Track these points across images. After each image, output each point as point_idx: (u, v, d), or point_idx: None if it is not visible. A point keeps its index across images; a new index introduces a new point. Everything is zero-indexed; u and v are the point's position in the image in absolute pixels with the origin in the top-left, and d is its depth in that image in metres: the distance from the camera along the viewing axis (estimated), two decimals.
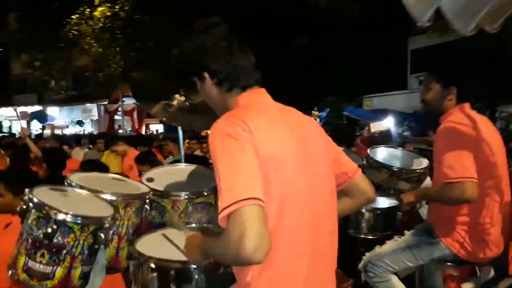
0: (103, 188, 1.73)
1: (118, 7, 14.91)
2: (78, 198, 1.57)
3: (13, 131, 29.57)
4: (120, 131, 20.25)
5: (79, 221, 1.37)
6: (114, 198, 1.68)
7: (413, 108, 16.65)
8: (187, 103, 2.57)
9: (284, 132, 1.32)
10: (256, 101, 1.39)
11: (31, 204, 1.38)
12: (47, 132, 24.91)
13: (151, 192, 1.91)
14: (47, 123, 25.43)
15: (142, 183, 2.07)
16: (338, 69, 15.99)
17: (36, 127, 26.13)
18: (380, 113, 14.60)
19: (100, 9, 15.05)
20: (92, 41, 15.86)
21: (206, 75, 1.39)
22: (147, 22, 14.26)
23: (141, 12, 14.08)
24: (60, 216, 1.34)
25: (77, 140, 10.78)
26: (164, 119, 2.32)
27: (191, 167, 2.39)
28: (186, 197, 2.01)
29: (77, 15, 15.36)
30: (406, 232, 2.57)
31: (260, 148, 1.21)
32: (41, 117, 24.93)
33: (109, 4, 14.86)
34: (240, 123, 1.23)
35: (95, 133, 22.81)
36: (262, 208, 1.11)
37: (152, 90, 2.59)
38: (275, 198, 1.23)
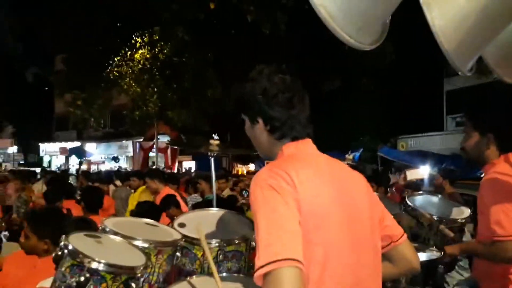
0: (136, 235, 1.73)
1: (157, 49, 15.62)
2: (111, 245, 1.57)
3: (53, 165, 30.84)
4: (154, 167, 20.69)
5: (111, 270, 1.36)
6: (146, 245, 1.67)
7: (450, 150, 16.23)
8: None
9: (330, 187, 1.27)
10: (302, 152, 1.36)
11: (66, 251, 1.39)
12: (84, 167, 25.81)
13: (183, 239, 1.89)
14: (85, 158, 26.35)
15: (174, 228, 2.06)
16: (372, 110, 15.91)
17: (74, 162, 27.15)
18: (417, 155, 14.24)
19: (140, 51, 15.83)
20: (132, 82, 16.57)
21: (260, 120, 1.38)
22: (184, 64, 14.84)
23: (179, 54, 14.69)
24: (94, 265, 1.34)
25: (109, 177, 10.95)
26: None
27: (222, 212, 2.37)
28: (217, 244, 1.98)
29: (119, 57, 16.19)
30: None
31: (303, 203, 1.17)
32: (79, 152, 25.90)
33: (149, 47, 15.61)
34: (284, 176, 1.19)
35: (129, 169, 23.41)
36: (300, 271, 1.05)
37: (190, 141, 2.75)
38: (318, 258, 1.17)
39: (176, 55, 14.87)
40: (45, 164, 31.22)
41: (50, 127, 33.69)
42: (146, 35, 15.66)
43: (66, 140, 30.45)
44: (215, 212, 2.34)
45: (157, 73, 15.89)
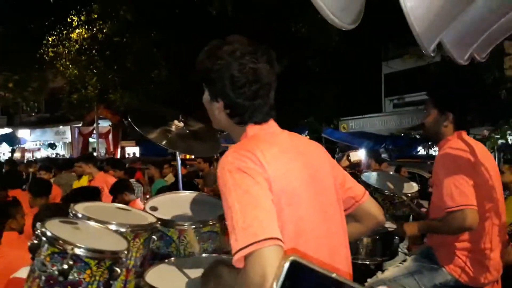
0: (110, 219, 1.67)
1: (96, 29, 14.80)
2: (89, 231, 1.50)
3: None
4: (95, 154, 19.81)
5: (95, 256, 1.30)
6: (123, 229, 1.62)
7: (389, 131, 17.15)
8: (187, 130, 2.53)
9: (296, 163, 1.29)
10: (266, 131, 1.35)
11: (44, 238, 1.31)
12: (17, 155, 24.11)
13: (159, 222, 1.86)
14: (17, 146, 24.61)
15: (146, 212, 2.01)
16: (317, 92, 16.30)
17: (5, 150, 25.26)
18: (358, 136, 14.89)
19: (77, 31, 14.90)
20: (68, 63, 15.63)
21: (221, 102, 1.33)
22: (126, 44, 14.20)
23: (120, 34, 14.02)
24: (77, 251, 1.27)
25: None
26: (164, 144, 2.26)
27: (193, 194, 2.34)
28: (194, 226, 1.96)
29: (54, 37, 15.14)
30: (407, 257, 2.59)
31: (273, 182, 1.18)
32: (10, 139, 24.13)
33: (87, 26, 14.74)
34: (251, 156, 1.19)
35: (67, 156, 22.24)
36: (282, 249, 1.06)
37: (149, 116, 2.54)
38: (290, 235, 1.19)
39: (117, 35, 14.17)
40: None
41: None
42: (84, 13, 14.73)
43: None
44: (186, 194, 2.31)
45: (96, 54, 15.08)
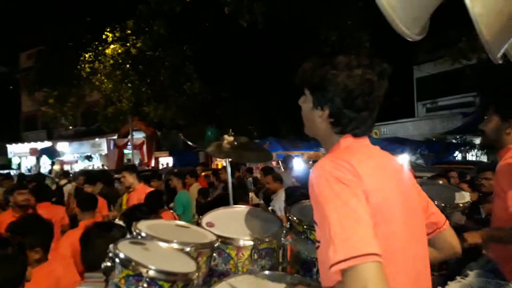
0: (172, 238, 1.67)
1: (129, 44, 15.22)
2: (159, 252, 1.50)
3: (23, 167, 29.72)
4: (130, 163, 20.27)
5: (168, 278, 1.30)
6: (188, 248, 1.62)
7: (422, 136, 16.73)
8: (235, 142, 2.61)
9: (391, 179, 1.26)
10: (359, 143, 1.32)
11: (117, 260, 1.32)
12: (56, 167, 24.98)
13: (219, 239, 1.85)
14: (57, 158, 25.53)
15: (204, 228, 2.01)
16: None
17: (45, 163, 26.25)
18: (391, 142, 14.58)
19: (112, 46, 15.37)
20: (104, 78, 16.12)
21: (327, 110, 1.30)
22: (158, 58, 14.53)
23: (153, 48, 14.36)
24: (151, 273, 1.27)
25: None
26: (221, 156, 2.36)
27: (247, 209, 2.33)
28: (252, 243, 1.94)
29: (90, 53, 15.68)
30: (469, 272, 2.47)
31: (370, 195, 1.15)
32: (50, 152, 25.09)
33: (121, 42, 15.18)
34: (349, 167, 1.16)
35: (105, 167, 22.87)
36: (382, 265, 1.03)
37: (200, 133, 2.65)
38: (382, 251, 1.13)
39: (150, 49, 14.52)
40: (14, 166, 30.06)
41: (17, 128, 32.36)
42: (118, 29, 15.19)
43: (36, 140, 29.39)
44: (241, 209, 2.30)
45: (130, 68, 15.50)
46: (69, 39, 15.82)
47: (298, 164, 12.07)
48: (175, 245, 1.61)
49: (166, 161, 22.28)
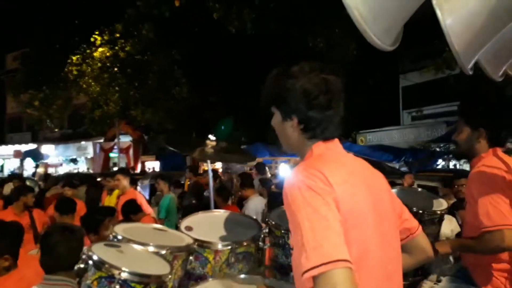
0: (149, 241, 1.69)
1: (118, 47, 15.15)
2: (133, 254, 1.52)
3: (5, 170, 29.21)
4: (115, 168, 20.09)
5: (141, 280, 1.31)
6: (163, 251, 1.63)
7: (407, 143, 16.93)
8: (219, 146, 2.66)
9: (362, 185, 1.30)
10: (332, 151, 1.37)
11: (90, 262, 1.32)
12: (40, 170, 24.62)
13: (196, 243, 1.86)
14: (41, 161, 25.16)
15: (182, 232, 2.03)
16: None
17: (29, 165, 25.85)
18: (377, 149, 14.72)
19: (100, 49, 15.27)
20: (91, 81, 15.99)
21: (295, 118, 1.36)
22: (147, 62, 14.48)
23: (142, 52, 14.31)
24: (124, 276, 1.29)
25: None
26: (208, 160, 2.42)
27: (226, 213, 2.36)
28: (229, 247, 1.96)
29: (78, 56, 15.55)
30: (442, 278, 2.52)
31: (341, 202, 1.19)
32: (35, 155, 24.71)
33: (110, 45, 15.10)
34: (320, 176, 1.20)
35: (90, 171, 22.63)
36: (352, 271, 1.07)
37: (183, 140, 2.70)
38: (353, 256, 1.17)
39: (138, 53, 14.47)
40: None
41: (1, 129, 31.88)
42: (106, 32, 15.11)
43: (20, 143, 28.94)
44: (220, 214, 2.33)
45: (118, 71, 15.42)
46: (57, 41, 15.67)
47: (284, 170, 12.12)
48: (150, 248, 1.63)
49: (152, 165, 22.14)
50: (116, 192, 5.90)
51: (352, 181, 1.27)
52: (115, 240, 1.65)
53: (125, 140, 21.90)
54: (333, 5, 9.10)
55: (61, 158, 27.39)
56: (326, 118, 1.34)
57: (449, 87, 13.63)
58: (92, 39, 15.20)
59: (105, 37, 15.09)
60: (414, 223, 1.55)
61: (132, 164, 21.60)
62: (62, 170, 24.92)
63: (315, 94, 1.32)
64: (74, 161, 26.21)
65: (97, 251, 1.36)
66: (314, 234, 1.10)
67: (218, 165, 19.52)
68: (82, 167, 26.41)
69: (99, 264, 1.31)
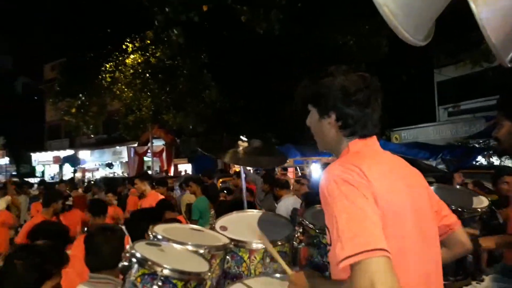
0: (187, 240, 1.74)
1: (149, 53, 15.52)
2: (174, 253, 1.57)
3: (46, 175, 30.50)
4: (150, 172, 20.57)
5: (182, 277, 1.36)
6: (202, 250, 1.68)
7: (444, 140, 16.42)
8: (251, 148, 2.67)
9: (400, 183, 1.29)
10: (370, 149, 1.37)
11: (134, 260, 1.38)
12: (78, 175, 25.57)
13: (232, 243, 1.90)
14: (78, 166, 26.10)
15: (218, 232, 2.07)
16: None
17: (68, 170, 26.88)
18: (412, 147, 14.35)
19: (132, 56, 15.70)
20: (124, 87, 16.45)
21: (333, 115, 1.37)
22: (177, 67, 14.76)
23: (172, 57, 14.61)
24: (166, 272, 1.34)
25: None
26: (238, 163, 2.41)
27: (259, 213, 2.38)
28: (264, 246, 1.98)
29: (111, 63, 16.05)
30: (484, 277, 2.45)
31: (379, 197, 1.19)
32: (73, 161, 25.67)
33: (141, 52, 15.49)
34: (357, 170, 1.20)
35: (125, 174, 23.24)
36: (390, 260, 1.06)
37: (215, 143, 2.72)
38: (392, 252, 1.15)
39: (169, 59, 14.78)
40: (38, 174, 30.86)
41: (41, 137, 33.34)
42: (138, 39, 15.52)
43: (59, 149, 30.17)
44: (254, 214, 2.35)
45: (149, 77, 15.80)
46: (91, 50, 16.23)
47: (315, 170, 12.04)
48: (189, 247, 1.68)
49: (185, 167, 22.50)
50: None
51: (391, 178, 1.27)
52: (155, 239, 1.71)
53: (158, 144, 22.40)
54: (359, 3, 8.99)
55: (97, 163, 28.31)
56: (365, 115, 1.35)
57: (487, 80, 13.15)
58: (124, 47, 15.65)
59: (137, 44, 15.51)
60: (453, 218, 1.54)
61: (165, 167, 22.06)
62: (98, 175, 25.75)
63: (354, 90, 1.33)
64: (109, 165, 27.03)
65: (140, 249, 1.42)
66: (350, 226, 1.10)
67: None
68: (117, 171, 27.20)
69: (142, 262, 1.37)
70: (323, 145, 1.46)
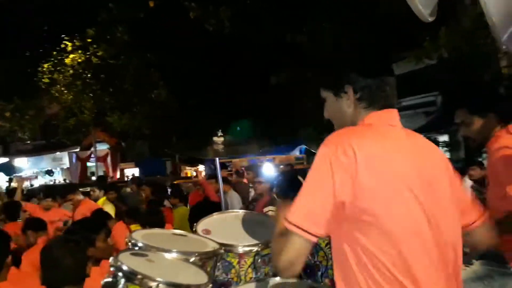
0: (172, 247, 1.52)
1: (90, 52, 14.73)
2: (164, 263, 1.35)
3: None
4: (93, 178, 19.51)
5: None
6: (192, 258, 1.47)
7: None
8: (227, 139, 2.51)
9: (406, 163, 1.23)
10: (382, 121, 1.31)
11: (119, 274, 1.16)
12: (14, 184, 23.71)
13: (222, 248, 1.70)
14: (14, 175, 24.22)
15: (202, 236, 1.86)
16: (315, 103, 16.28)
17: (2, 180, 24.86)
18: None
19: (72, 56, 14.80)
20: (63, 89, 15.52)
21: (350, 89, 1.32)
22: (121, 66, 14.13)
23: (115, 56, 13.95)
24: (161, 287, 1.12)
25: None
26: (223, 156, 2.26)
27: (242, 213, 2.20)
28: (255, 249, 1.81)
29: (49, 63, 15.03)
30: (474, 261, 2.45)
31: (363, 177, 1.15)
32: (7, 169, 23.81)
33: (81, 51, 14.66)
34: (346, 147, 1.17)
35: (67, 181, 21.93)
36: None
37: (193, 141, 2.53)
38: (398, 231, 1.16)
39: (112, 57, 14.09)
40: None
41: None
42: (77, 38, 14.65)
43: None
44: (236, 214, 2.17)
45: (91, 77, 15.02)
46: (26, 49, 15.11)
47: (268, 169, 12.01)
48: (178, 255, 1.47)
49: (132, 172, 21.61)
50: (101, 200, 5.69)
51: (392, 156, 1.22)
52: (136, 248, 1.48)
53: (102, 148, 21.33)
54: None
55: (35, 171, 26.44)
56: (380, 85, 1.32)
57: (426, 77, 13.81)
58: (62, 45, 14.73)
59: (76, 43, 14.65)
60: (479, 209, 1.42)
61: (110, 172, 21.07)
62: (37, 183, 24.07)
63: (365, 58, 1.37)
64: (49, 172, 25.34)
65: (126, 261, 1.19)
66: (305, 197, 1.19)
67: (201, 168, 19.17)
68: (58, 178, 25.59)
69: (131, 276, 1.14)
70: (340, 123, 1.39)
